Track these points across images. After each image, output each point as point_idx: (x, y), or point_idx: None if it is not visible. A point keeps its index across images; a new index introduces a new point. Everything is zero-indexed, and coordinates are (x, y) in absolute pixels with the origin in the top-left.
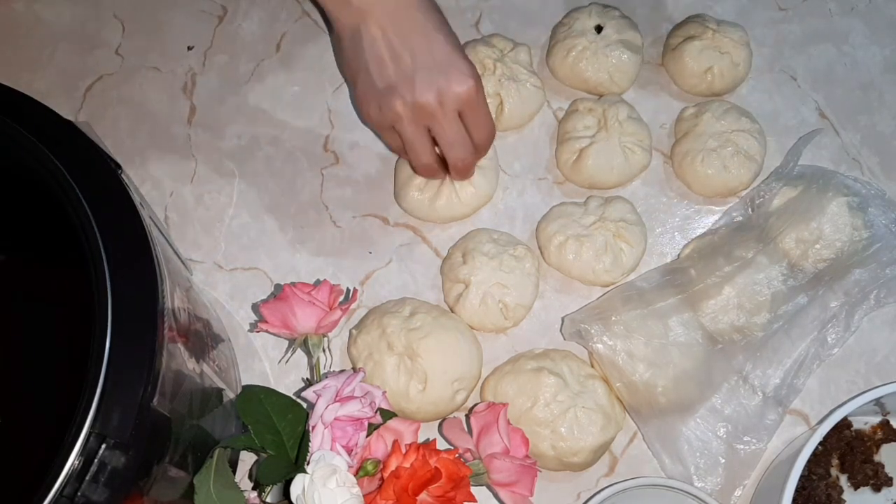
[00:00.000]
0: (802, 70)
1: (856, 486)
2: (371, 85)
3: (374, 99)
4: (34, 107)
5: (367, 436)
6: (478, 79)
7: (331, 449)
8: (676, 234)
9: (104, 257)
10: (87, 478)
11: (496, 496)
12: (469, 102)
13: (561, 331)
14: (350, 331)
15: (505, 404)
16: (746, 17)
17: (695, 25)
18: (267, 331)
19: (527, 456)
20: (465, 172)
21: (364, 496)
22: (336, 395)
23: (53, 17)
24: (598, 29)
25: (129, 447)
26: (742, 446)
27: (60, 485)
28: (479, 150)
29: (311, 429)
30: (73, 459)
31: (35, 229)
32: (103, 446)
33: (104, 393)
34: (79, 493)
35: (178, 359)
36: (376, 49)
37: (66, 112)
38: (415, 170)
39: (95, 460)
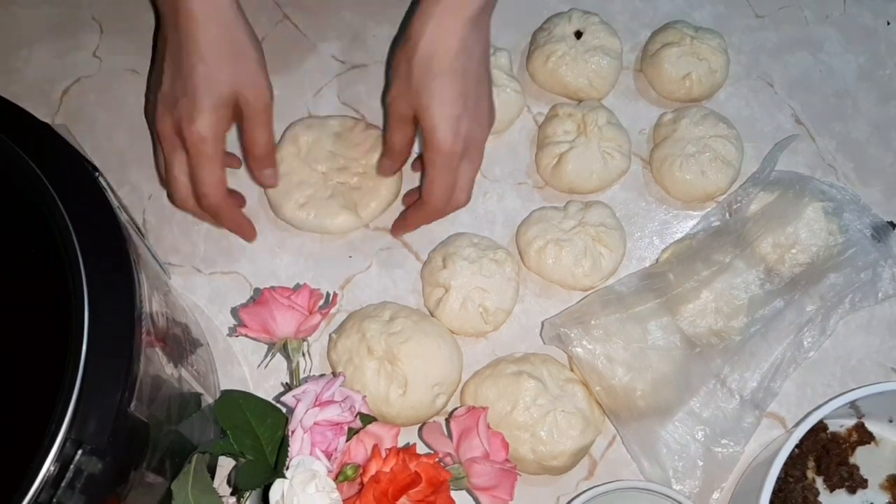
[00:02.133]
0: (779, 77)
1: (831, 489)
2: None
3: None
4: (9, 109)
5: (347, 440)
6: (212, 113)
7: (310, 454)
8: (655, 238)
9: (80, 261)
10: (63, 484)
11: (476, 500)
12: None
13: (541, 335)
14: (330, 335)
15: (485, 408)
16: (724, 24)
17: (673, 32)
18: (246, 335)
19: (506, 460)
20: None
21: (344, 501)
22: (316, 400)
23: (30, 19)
24: (578, 35)
25: (105, 453)
26: (720, 449)
27: (35, 491)
28: (255, 162)
29: (290, 434)
30: (48, 466)
31: (9, 232)
32: (79, 452)
33: (80, 398)
34: (54, 500)
35: (156, 364)
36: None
37: (42, 115)
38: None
39: (71, 466)
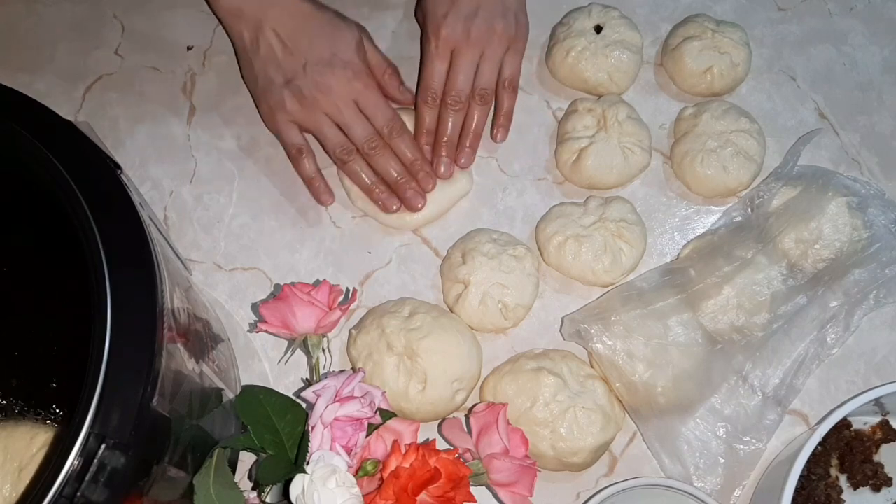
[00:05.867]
0: (802, 70)
1: (855, 486)
2: (270, 82)
3: (276, 95)
4: (34, 107)
5: (367, 436)
6: (360, 72)
7: (330, 449)
8: (676, 234)
9: (103, 257)
10: (87, 478)
11: (496, 496)
12: (358, 92)
13: (560, 331)
14: (350, 331)
15: (504, 404)
16: (746, 17)
17: (694, 26)
18: (266, 331)
19: (526, 456)
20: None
21: (364, 496)
22: (335, 396)
23: (53, 18)
24: (598, 29)
25: (128, 447)
26: (741, 446)
27: (60, 485)
28: (383, 133)
29: (310, 429)
30: (72, 459)
31: (34, 229)
32: (103, 446)
33: (104, 393)
34: (78, 494)
35: (178, 359)
36: (273, 51)
37: (65, 112)
38: (367, 192)
39: (95, 460)
